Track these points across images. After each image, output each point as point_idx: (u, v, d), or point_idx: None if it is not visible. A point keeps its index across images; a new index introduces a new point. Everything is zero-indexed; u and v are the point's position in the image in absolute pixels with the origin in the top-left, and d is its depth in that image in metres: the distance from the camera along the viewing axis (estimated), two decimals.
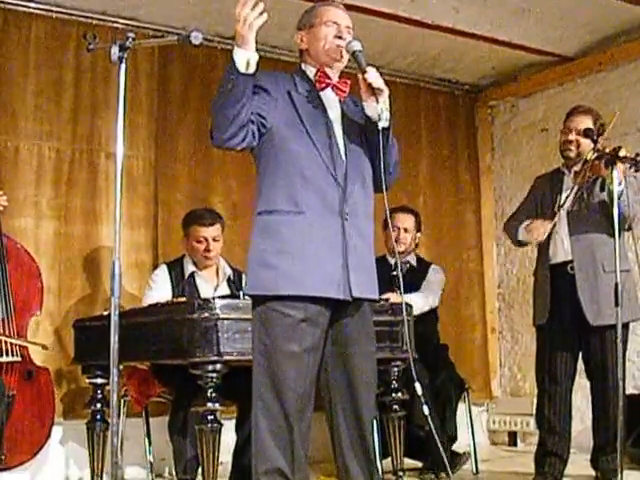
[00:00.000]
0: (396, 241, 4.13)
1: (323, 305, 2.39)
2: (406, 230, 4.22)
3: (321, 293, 2.37)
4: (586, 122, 3.59)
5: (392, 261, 4.14)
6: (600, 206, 3.56)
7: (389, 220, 2.62)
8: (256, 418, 2.39)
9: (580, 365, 3.65)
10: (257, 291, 2.41)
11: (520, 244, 3.80)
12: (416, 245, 4.35)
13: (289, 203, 2.40)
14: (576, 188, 3.54)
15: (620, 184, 3.32)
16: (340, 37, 2.49)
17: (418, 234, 4.34)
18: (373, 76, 2.42)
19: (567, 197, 3.56)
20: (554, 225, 3.56)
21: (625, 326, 3.53)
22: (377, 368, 2.60)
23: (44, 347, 3.70)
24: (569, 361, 3.59)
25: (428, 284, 4.24)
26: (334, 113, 2.51)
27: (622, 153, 3.35)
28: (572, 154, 3.62)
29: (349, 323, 2.46)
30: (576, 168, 3.61)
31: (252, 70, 2.30)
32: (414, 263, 4.31)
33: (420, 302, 4.09)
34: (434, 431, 2.56)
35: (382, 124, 2.42)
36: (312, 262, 2.37)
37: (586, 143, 3.58)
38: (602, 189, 3.57)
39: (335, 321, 2.45)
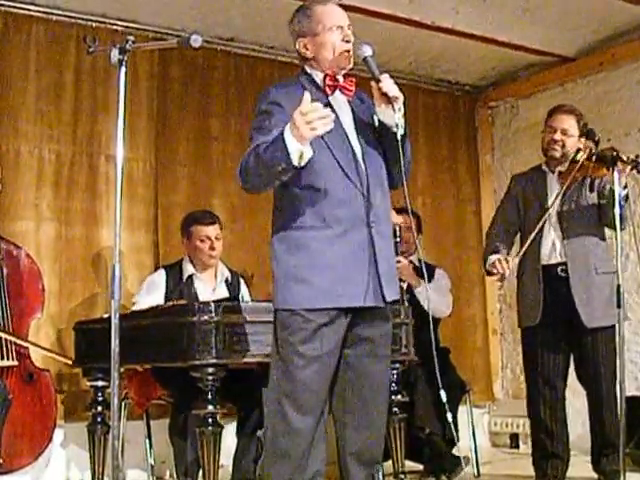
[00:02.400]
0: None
1: (345, 310, 2.39)
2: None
3: (355, 304, 2.37)
4: (570, 122, 3.57)
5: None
6: (590, 207, 3.54)
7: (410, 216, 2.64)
8: (272, 422, 2.39)
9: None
10: (291, 306, 2.39)
11: (488, 272, 3.70)
12: (416, 247, 4.37)
13: (315, 218, 2.39)
14: (565, 188, 3.48)
15: (625, 187, 3.31)
16: (348, 41, 2.45)
17: (420, 236, 4.37)
18: (388, 85, 2.38)
19: (556, 198, 3.51)
20: (543, 224, 3.51)
21: (612, 328, 3.53)
22: None
23: (72, 362, 3.65)
24: (562, 363, 3.57)
25: (441, 290, 4.26)
26: (346, 117, 2.49)
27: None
28: (557, 154, 3.58)
29: (368, 325, 2.46)
30: (561, 168, 3.57)
31: (303, 163, 2.27)
32: (417, 264, 4.32)
33: (443, 306, 4.23)
34: (455, 437, 2.54)
35: (400, 132, 2.39)
36: (344, 274, 2.36)
37: (571, 143, 3.56)
38: (591, 190, 3.56)
39: (354, 323, 2.44)
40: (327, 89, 2.47)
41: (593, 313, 3.47)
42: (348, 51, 2.45)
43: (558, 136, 3.57)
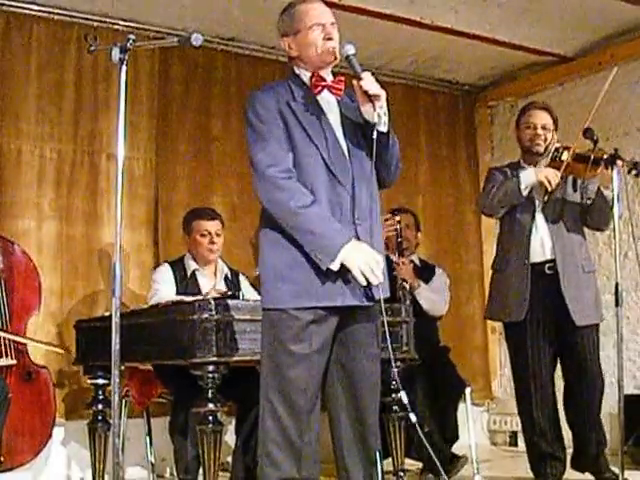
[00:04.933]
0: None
1: (332, 308, 2.39)
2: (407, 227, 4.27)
3: (337, 302, 2.37)
4: (548, 117, 3.59)
5: (394, 259, 4.14)
6: (574, 205, 3.55)
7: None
8: (263, 420, 2.39)
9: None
10: (276, 305, 2.39)
11: (507, 202, 3.51)
12: (416, 245, 4.39)
13: None
14: (555, 187, 3.44)
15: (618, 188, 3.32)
16: (330, 38, 2.44)
17: (419, 234, 4.39)
18: (369, 83, 2.38)
19: (546, 195, 3.48)
20: (532, 221, 3.52)
21: (596, 326, 3.54)
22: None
23: (67, 350, 3.68)
24: (549, 362, 3.56)
25: (438, 289, 4.28)
26: (334, 116, 2.49)
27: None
28: (541, 149, 3.58)
29: (357, 324, 2.46)
30: (543, 164, 3.55)
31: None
32: (417, 263, 4.35)
33: (440, 304, 4.24)
34: (423, 438, 2.52)
35: (381, 128, 2.39)
36: (324, 272, 2.35)
37: (552, 138, 3.56)
38: (574, 189, 3.57)
39: (344, 322, 2.44)
40: (313, 88, 2.47)
41: (583, 311, 3.47)
42: (332, 48, 2.44)
43: (541, 131, 3.58)
